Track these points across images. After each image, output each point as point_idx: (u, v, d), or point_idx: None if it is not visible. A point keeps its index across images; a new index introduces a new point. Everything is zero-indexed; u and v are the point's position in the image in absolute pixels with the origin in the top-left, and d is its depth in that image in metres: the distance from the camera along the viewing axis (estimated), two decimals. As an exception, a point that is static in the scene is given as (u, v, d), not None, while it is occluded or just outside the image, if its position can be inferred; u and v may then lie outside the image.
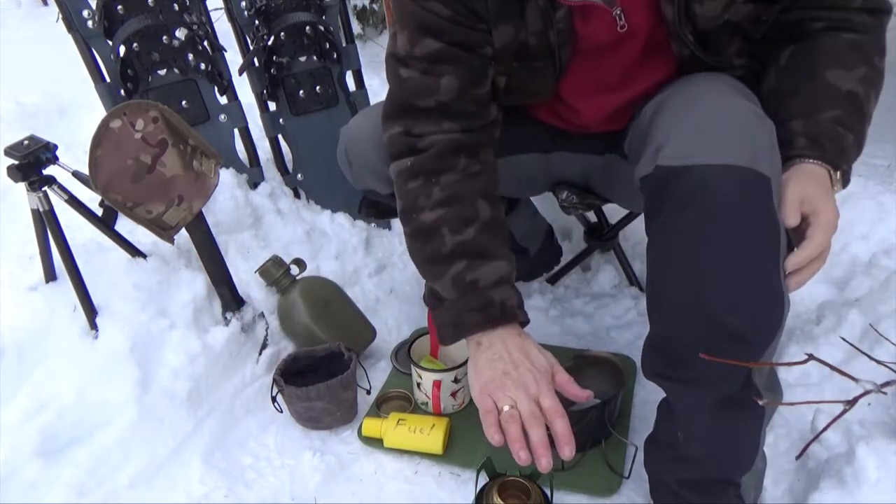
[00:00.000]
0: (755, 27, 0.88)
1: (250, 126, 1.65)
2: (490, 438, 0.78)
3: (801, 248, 0.77)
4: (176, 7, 1.47)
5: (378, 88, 2.06)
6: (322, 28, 1.62)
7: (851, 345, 0.97)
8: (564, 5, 0.85)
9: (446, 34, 0.89)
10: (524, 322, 0.90)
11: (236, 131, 1.64)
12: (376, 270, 1.67)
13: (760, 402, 0.78)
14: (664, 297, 0.81)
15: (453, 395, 1.21)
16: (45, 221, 1.14)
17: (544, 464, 0.75)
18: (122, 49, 1.43)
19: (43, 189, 1.13)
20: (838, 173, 0.81)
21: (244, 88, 1.62)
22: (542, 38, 0.90)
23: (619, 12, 0.85)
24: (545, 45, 0.91)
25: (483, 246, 0.91)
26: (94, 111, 1.48)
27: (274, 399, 1.22)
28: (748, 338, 0.75)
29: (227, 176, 1.52)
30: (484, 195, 0.93)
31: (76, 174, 1.19)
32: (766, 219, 0.74)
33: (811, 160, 0.80)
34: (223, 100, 1.60)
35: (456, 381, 1.19)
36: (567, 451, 0.76)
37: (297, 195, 1.75)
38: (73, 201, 1.18)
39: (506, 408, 0.79)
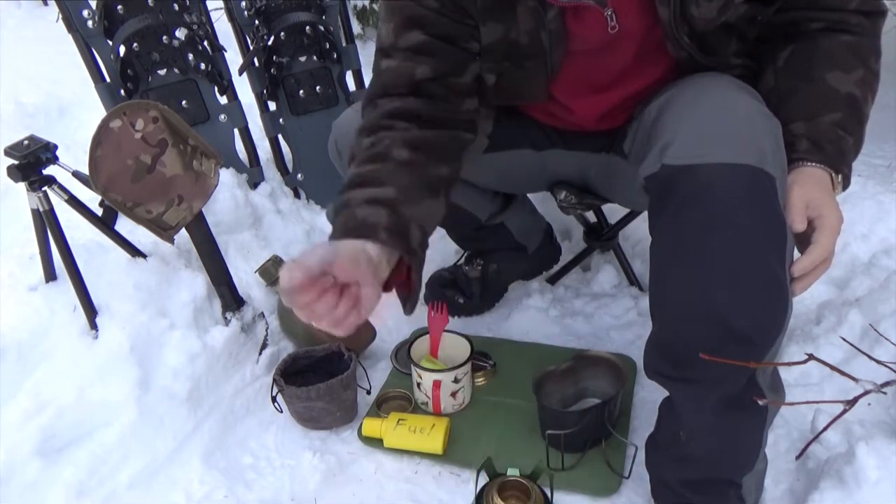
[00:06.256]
0: (750, 27, 0.88)
1: (250, 126, 1.65)
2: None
3: (807, 252, 0.77)
4: (176, 7, 1.48)
5: (378, 88, 2.06)
6: (322, 28, 1.62)
7: (851, 345, 0.98)
8: (556, 6, 0.85)
9: (432, 26, 0.89)
10: (387, 244, 0.75)
11: (236, 131, 1.64)
12: (376, 270, 1.66)
13: (761, 402, 0.78)
14: (668, 295, 0.81)
15: (453, 395, 1.20)
16: (45, 221, 1.14)
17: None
18: (122, 49, 1.43)
19: (43, 189, 1.13)
20: (839, 176, 0.81)
21: (244, 88, 1.62)
22: (534, 37, 0.89)
23: (610, 13, 0.85)
24: (537, 45, 0.90)
25: (374, 176, 0.83)
26: (94, 111, 1.48)
27: (274, 399, 1.22)
28: (753, 337, 0.75)
29: (227, 176, 1.52)
30: (412, 146, 0.86)
31: (76, 174, 1.19)
32: (772, 218, 0.74)
33: (813, 163, 0.80)
34: (223, 100, 1.60)
35: (456, 381, 1.19)
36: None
37: (297, 195, 1.75)
38: (73, 201, 1.18)
39: None
